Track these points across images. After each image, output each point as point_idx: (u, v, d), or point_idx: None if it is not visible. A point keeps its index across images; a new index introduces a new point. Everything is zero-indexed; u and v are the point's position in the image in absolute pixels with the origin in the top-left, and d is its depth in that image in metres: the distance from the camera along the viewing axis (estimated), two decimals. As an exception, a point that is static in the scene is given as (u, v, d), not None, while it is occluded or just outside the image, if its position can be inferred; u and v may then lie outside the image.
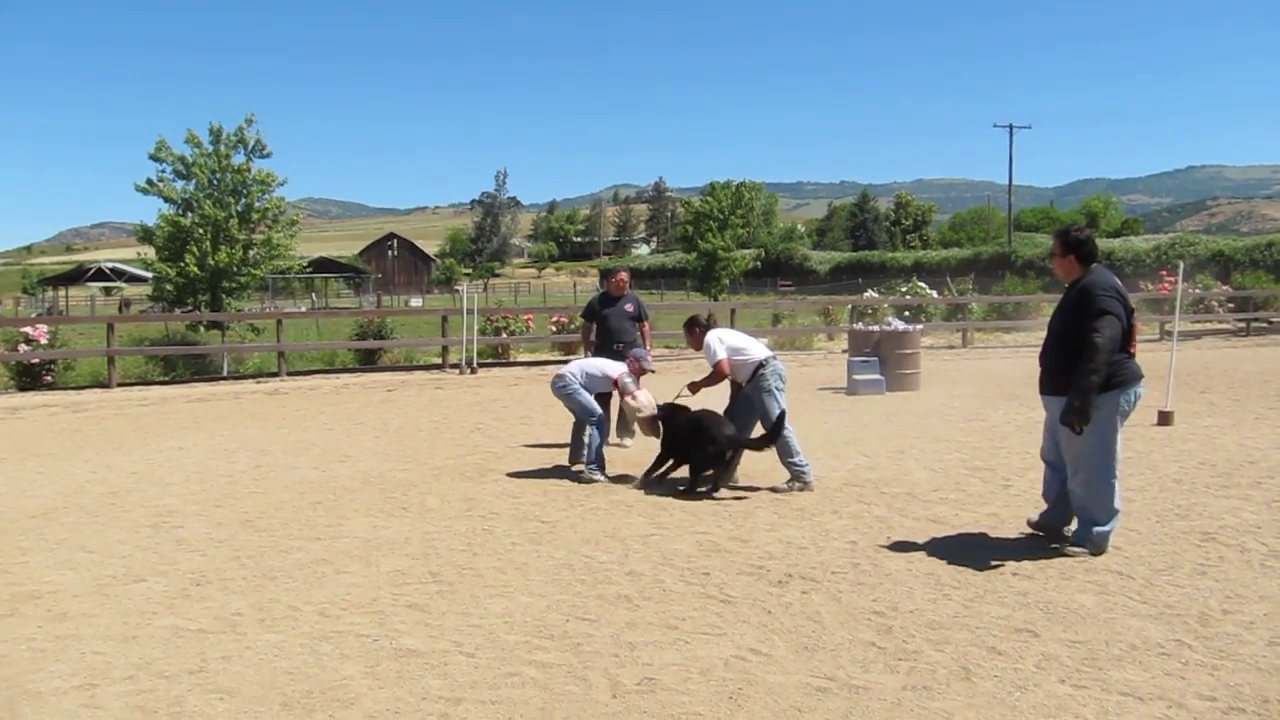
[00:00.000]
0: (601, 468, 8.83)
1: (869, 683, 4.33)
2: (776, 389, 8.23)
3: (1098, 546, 6.13)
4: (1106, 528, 6.14)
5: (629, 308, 10.55)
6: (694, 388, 8.68)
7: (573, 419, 9.39)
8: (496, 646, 4.81)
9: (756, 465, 8.63)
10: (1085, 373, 5.78)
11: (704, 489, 8.06)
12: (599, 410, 9.00)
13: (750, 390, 8.32)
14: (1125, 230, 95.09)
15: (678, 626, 5.05)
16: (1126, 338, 6.01)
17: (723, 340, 8.50)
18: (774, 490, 8.06)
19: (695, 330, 8.81)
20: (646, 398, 8.83)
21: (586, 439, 8.99)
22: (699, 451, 8.11)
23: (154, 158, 21.59)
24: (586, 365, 9.27)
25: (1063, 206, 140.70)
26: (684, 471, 8.33)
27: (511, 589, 5.72)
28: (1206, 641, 4.72)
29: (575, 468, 9.18)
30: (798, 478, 8.09)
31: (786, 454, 8.10)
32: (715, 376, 8.45)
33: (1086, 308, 5.96)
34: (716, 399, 8.74)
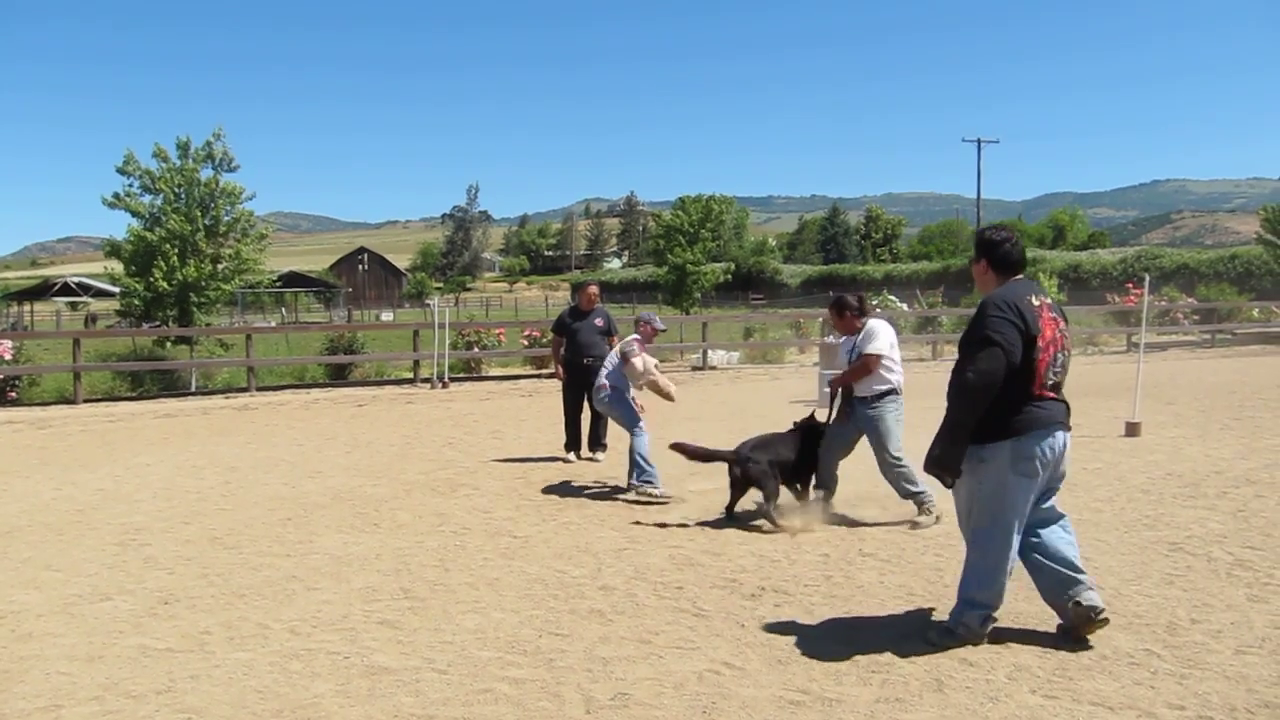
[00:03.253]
0: (649, 478, 8.34)
1: (842, 695, 4.33)
2: (897, 422, 7.43)
3: (966, 629, 4.85)
4: (980, 611, 4.87)
5: (599, 322, 10.60)
6: (835, 385, 7.70)
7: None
8: (469, 663, 4.78)
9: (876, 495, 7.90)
10: (947, 413, 4.74)
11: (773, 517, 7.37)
12: (639, 418, 8.70)
13: (871, 414, 7.44)
14: (1092, 243, 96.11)
15: (651, 641, 5.04)
16: (1028, 376, 4.68)
17: (889, 338, 7.55)
18: (913, 525, 7.34)
19: (846, 313, 7.75)
20: (644, 362, 8.61)
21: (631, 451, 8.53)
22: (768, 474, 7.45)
23: (121, 171, 21.43)
24: (609, 363, 8.93)
25: (1030, 220, 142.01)
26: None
27: (484, 605, 5.69)
28: (1175, 650, 4.76)
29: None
30: (924, 507, 7.40)
31: (911, 484, 7.38)
32: (859, 372, 7.49)
33: (972, 331, 4.76)
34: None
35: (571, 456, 10.52)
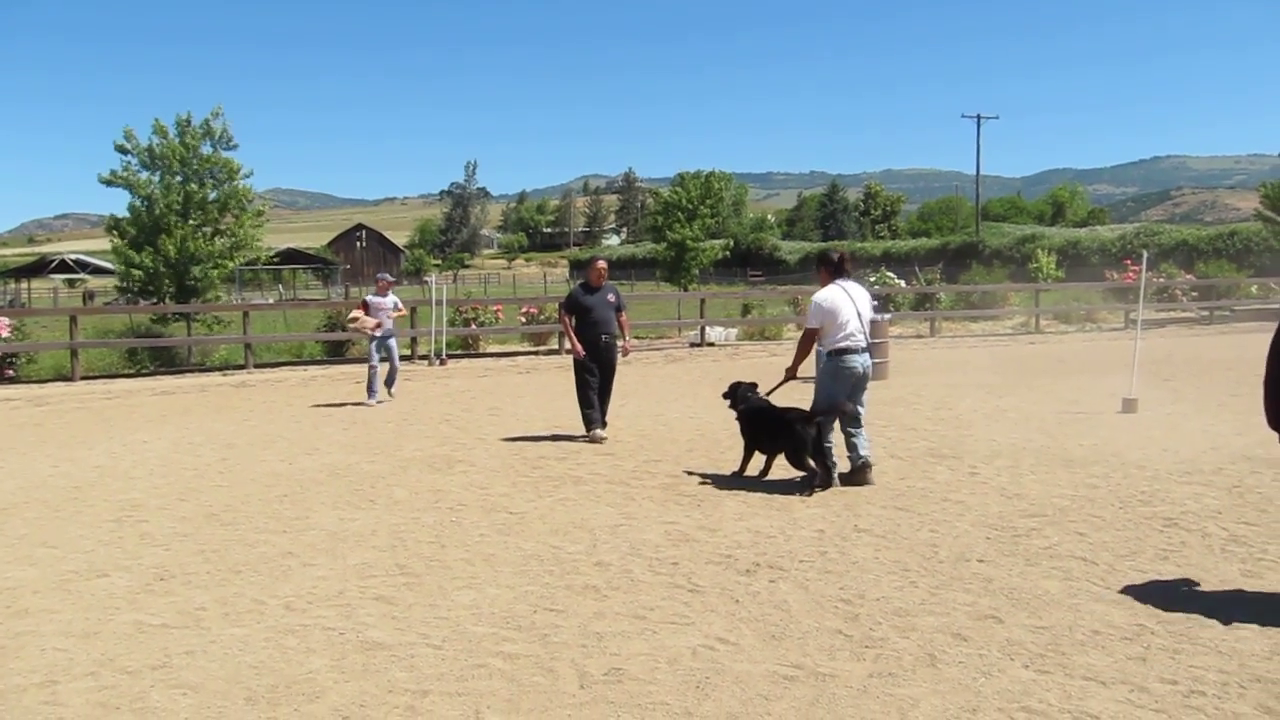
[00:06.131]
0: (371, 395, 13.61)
1: (835, 670, 4.34)
2: (836, 382, 7.76)
3: None
4: None
5: (611, 298, 10.38)
6: (790, 372, 8.15)
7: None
8: (464, 638, 4.80)
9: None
10: None
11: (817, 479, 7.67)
12: (374, 360, 13.77)
13: (825, 365, 7.91)
14: (1091, 220, 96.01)
15: (645, 616, 5.05)
16: None
17: (825, 307, 7.81)
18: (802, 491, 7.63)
19: (824, 270, 8.11)
20: (356, 314, 13.84)
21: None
22: (787, 442, 7.85)
23: (120, 149, 21.29)
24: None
25: (1030, 196, 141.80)
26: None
27: (479, 580, 5.70)
28: (1168, 626, 4.77)
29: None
30: (805, 482, 7.68)
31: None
32: (800, 347, 8.00)
33: None
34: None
35: (601, 433, 10.20)
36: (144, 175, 21.46)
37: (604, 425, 10.38)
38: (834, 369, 7.84)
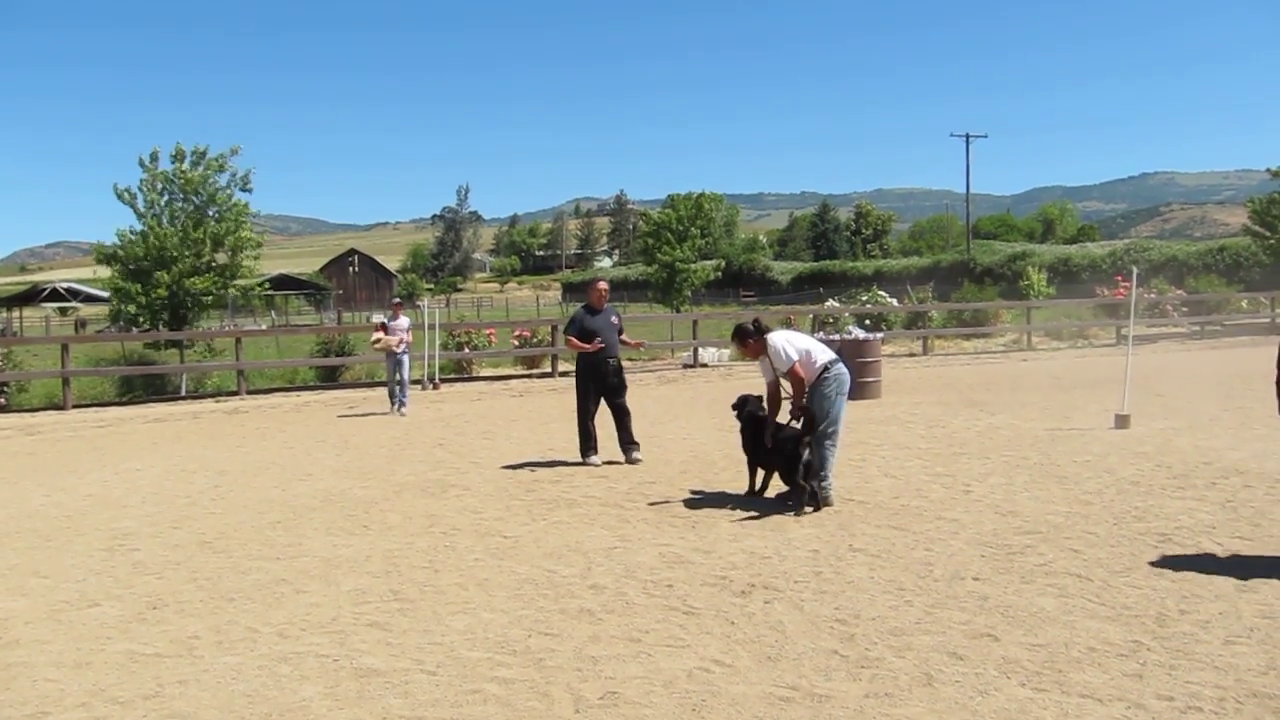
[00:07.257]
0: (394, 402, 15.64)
1: (831, 691, 4.33)
2: (836, 394, 7.82)
3: None
4: None
5: (614, 319, 10.23)
6: (796, 408, 7.91)
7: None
8: (458, 664, 4.77)
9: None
10: None
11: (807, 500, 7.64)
12: (391, 378, 15.86)
13: (811, 395, 7.85)
14: (1081, 237, 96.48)
15: (640, 639, 5.03)
16: None
17: (790, 342, 7.93)
18: (796, 511, 7.59)
19: (749, 341, 8.11)
20: (378, 335, 15.80)
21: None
22: (781, 459, 7.87)
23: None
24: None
25: (1020, 214, 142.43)
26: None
27: (473, 605, 5.68)
28: (1164, 642, 4.77)
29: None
30: (800, 498, 7.66)
31: (815, 469, 7.70)
32: (796, 385, 7.86)
33: None
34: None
35: (597, 460, 10.01)
36: (153, 197, 21.45)
37: (633, 448, 10.09)
38: (827, 382, 7.82)
